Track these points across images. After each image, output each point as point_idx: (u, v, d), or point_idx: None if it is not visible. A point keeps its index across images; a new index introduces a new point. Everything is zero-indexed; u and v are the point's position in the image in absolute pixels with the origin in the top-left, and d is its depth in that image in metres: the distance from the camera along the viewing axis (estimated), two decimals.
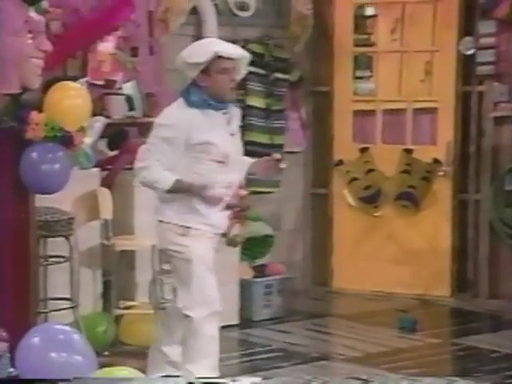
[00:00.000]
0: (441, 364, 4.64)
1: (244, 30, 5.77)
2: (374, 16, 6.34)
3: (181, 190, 3.77)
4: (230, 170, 3.79)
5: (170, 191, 3.78)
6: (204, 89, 3.76)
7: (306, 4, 5.76)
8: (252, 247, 5.52)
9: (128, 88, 5.34)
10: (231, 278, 5.19)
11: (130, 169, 5.13)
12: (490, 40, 5.87)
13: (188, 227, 3.80)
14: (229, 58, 3.74)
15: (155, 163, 3.77)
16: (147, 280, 4.86)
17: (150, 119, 5.45)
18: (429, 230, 6.06)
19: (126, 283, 4.93)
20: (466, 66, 5.98)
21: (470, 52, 5.93)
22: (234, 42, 5.73)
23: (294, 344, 4.92)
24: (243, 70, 3.88)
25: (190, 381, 2.43)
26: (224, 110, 3.80)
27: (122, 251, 4.82)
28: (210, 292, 3.80)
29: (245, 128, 5.79)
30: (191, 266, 3.80)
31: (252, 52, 5.76)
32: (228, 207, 3.83)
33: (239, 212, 3.87)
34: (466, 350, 4.89)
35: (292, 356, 4.68)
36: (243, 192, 3.88)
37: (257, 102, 5.79)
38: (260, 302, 5.38)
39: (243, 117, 5.72)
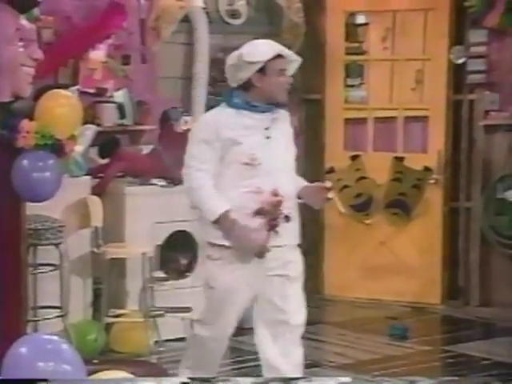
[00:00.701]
0: (432, 371, 4.65)
1: (235, 38, 5.76)
2: (366, 24, 6.37)
3: (222, 227, 3.54)
4: (258, 175, 3.55)
5: (214, 222, 3.55)
6: (256, 89, 3.59)
7: (298, 12, 5.78)
8: None
9: (119, 96, 5.35)
10: None
11: (122, 177, 5.17)
12: (481, 49, 5.90)
13: (213, 244, 3.59)
14: (284, 59, 3.64)
15: (205, 182, 3.55)
16: (138, 288, 4.86)
17: (142, 127, 5.50)
18: (420, 238, 6.08)
19: (116, 291, 4.93)
20: (457, 74, 6.01)
21: (461, 61, 5.96)
22: (225, 50, 5.81)
23: None
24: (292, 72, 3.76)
25: (184, 381, 2.44)
26: (267, 113, 3.62)
27: (113, 259, 4.81)
28: (219, 320, 3.67)
29: None
30: (210, 293, 3.66)
31: None
32: (257, 213, 3.56)
33: (270, 220, 3.57)
34: (456, 357, 4.90)
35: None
36: (275, 198, 3.56)
37: None
38: (251, 310, 5.36)
39: None
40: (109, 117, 5.32)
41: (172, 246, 5.13)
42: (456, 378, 4.36)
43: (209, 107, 5.66)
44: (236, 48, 5.86)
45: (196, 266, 5.16)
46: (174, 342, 4.93)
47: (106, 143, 5.21)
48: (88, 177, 4.93)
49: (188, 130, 5.16)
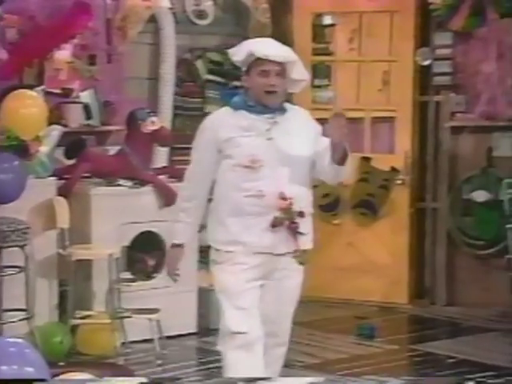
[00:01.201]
0: (398, 370, 4.69)
1: (202, 39, 5.78)
2: (333, 25, 6.39)
3: (169, 253, 3.62)
4: (260, 177, 3.40)
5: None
6: (248, 90, 3.49)
7: (265, 13, 5.79)
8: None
9: (85, 96, 5.31)
10: (189, 287, 5.19)
11: (88, 177, 5.13)
12: (446, 51, 5.96)
13: (218, 250, 3.48)
14: (268, 60, 3.43)
15: (194, 206, 3.49)
16: (104, 289, 4.82)
17: (108, 128, 5.47)
18: (387, 238, 6.11)
19: (82, 293, 4.89)
20: (423, 76, 6.06)
21: (427, 63, 6.01)
22: (192, 50, 5.81)
23: None
24: (295, 74, 3.50)
25: (142, 381, 2.44)
26: (269, 115, 3.46)
27: (79, 260, 4.78)
28: (230, 325, 3.43)
29: None
30: (219, 298, 3.52)
31: (211, 61, 5.81)
32: (274, 225, 3.39)
33: (289, 225, 3.42)
34: (423, 355, 4.94)
35: None
36: (284, 202, 3.40)
37: (216, 110, 5.78)
38: (219, 310, 5.36)
39: None
40: (75, 117, 5.28)
41: (139, 246, 5.11)
42: (422, 377, 4.39)
43: (175, 107, 5.74)
44: (204, 48, 5.92)
45: (163, 266, 5.15)
46: (140, 343, 4.91)
47: (73, 144, 5.17)
48: (54, 178, 4.88)
49: (155, 130, 5.16)
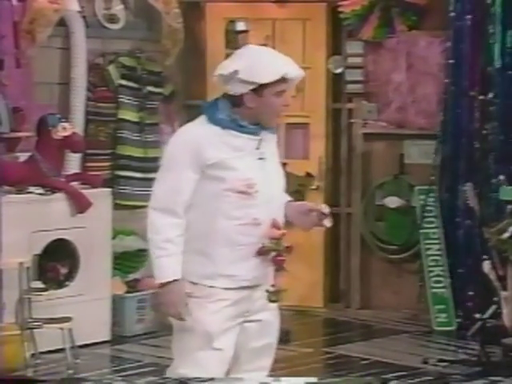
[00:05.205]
0: (312, 373, 4.71)
1: (114, 43, 5.73)
2: (246, 31, 6.42)
3: (163, 294, 3.05)
4: (255, 204, 3.03)
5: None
6: (246, 109, 3.06)
7: (177, 18, 5.77)
8: (125, 262, 5.47)
9: None
10: (103, 294, 5.12)
11: None
12: (358, 60, 6.07)
13: (195, 283, 3.05)
14: (289, 80, 3.11)
15: (180, 234, 3.02)
16: (14, 299, 4.71)
17: (18, 134, 5.35)
18: (302, 243, 6.13)
19: None
20: (336, 83, 6.16)
21: (339, 70, 6.10)
22: (104, 54, 5.76)
23: (166, 358, 4.87)
24: (292, 91, 3.26)
25: None
26: (254, 135, 3.10)
27: None
28: (208, 372, 2.98)
29: (118, 142, 5.77)
30: (189, 337, 3.07)
31: (123, 65, 5.76)
32: (260, 253, 3.04)
33: (276, 257, 3.07)
34: (337, 358, 5.01)
35: (163, 370, 4.62)
36: (278, 232, 3.06)
37: (129, 115, 5.75)
38: (133, 318, 5.32)
39: (115, 130, 5.77)
40: None
41: (51, 255, 5.01)
42: (336, 379, 4.44)
43: (88, 113, 5.66)
44: (116, 53, 5.86)
45: (76, 274, 5.08)
46: (52, 353, 4.81)
47: None
48: None
49: (66, 136, 5.08)
